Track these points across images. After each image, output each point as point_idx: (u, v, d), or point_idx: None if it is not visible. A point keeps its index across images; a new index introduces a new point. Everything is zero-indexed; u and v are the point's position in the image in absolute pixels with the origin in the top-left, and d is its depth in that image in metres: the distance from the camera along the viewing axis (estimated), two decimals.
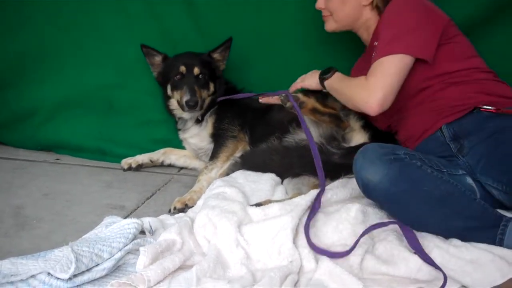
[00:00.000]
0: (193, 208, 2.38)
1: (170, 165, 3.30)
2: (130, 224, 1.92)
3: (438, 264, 1.75)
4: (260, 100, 2.88)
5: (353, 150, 2.45)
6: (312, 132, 2.53)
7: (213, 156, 2.94)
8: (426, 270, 1.75)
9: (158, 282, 1.67)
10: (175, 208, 2.52)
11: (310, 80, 2.79)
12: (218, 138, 3.01)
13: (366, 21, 2.73)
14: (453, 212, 1.99)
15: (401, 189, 1.99)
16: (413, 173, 2.02)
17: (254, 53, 3.31)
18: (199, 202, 2.41)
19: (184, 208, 2.52)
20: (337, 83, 2.57)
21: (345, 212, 2.07)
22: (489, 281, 1.70)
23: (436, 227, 2.00)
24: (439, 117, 2.41)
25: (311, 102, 2.59)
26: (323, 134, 2.60)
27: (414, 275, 1.76)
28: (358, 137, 2.62)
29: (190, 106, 2.93)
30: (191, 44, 3.26)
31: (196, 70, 3.01)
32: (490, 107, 2.28)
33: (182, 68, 3.00)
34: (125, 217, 2.23)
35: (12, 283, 1.62)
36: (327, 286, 1.65)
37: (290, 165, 2.60)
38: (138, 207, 2.57)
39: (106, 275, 1.76)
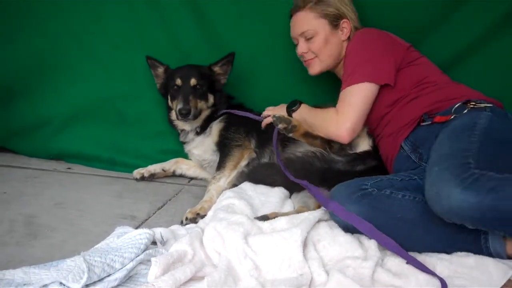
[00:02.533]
0: (204, 219, 2.38)
1: (181, 175, 3.33)
2: (142, 235, 1.93)
3: (446, 277, 1.78)
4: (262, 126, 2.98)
5: (358, 156, 2.56)
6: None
7: (220, 165, 2.96)
8: (435, 282, 1.75)
9: None
10: (187, 219, 2.52)
11: (279, 112, 2.84)
12: (224, 148, 3.03)
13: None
14: (431, 229, 2.03)
15: (377, 222, 2.02)
16: (383, 204, 2.10)
17: (263, 64, 3.32)
18: (209, 213, 2.42)
19: (195, 218, 2.53)
20: (306, 114, 2.71)
21: None
22: (496, 282, 1.75)
23: (424, 246, 2.04)
24: (399, 135, 2.54)
25: (303, 127, 2.63)
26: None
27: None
28: (364, 143, 2.65)
29: (182, 114, 2.96)
30: (202, 54, 3.29)
31: (192, 81, 3.04)
32: (427, 122, 2.42)
33: (178, 81, 3.05)
34: (136, 227, 2.25)
35: None
36: None
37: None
38: (149, 217, 2.58)
39: (118, 285, 1.76)
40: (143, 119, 3.46)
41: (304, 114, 2.72)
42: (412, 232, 2.05)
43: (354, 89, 2.52)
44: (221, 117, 3.17)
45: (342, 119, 2.48)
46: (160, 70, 3.23)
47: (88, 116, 3.49)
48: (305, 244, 1.94)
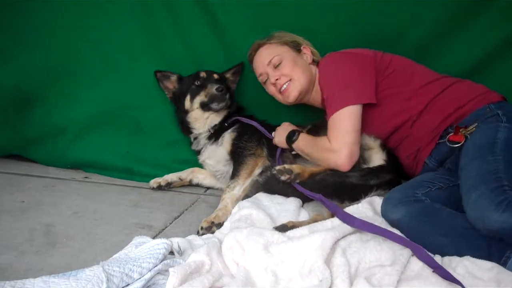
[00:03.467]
0: (221, 229, 2.38)
1: (197, 185, 3.35)
2: (159, 245, 1.93)
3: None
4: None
5: (372, 171, 2.56)
6: None
7: (234, 174, 2.98)
8: None
9: None
10: (202, 228, 2.53)
11: (279, 139, 2.91)
12: (237, 157, 3.06)
13: (315, 78, 2.90)
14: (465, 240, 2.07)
15: (418, 227, 2.13)
16: (430, 214, 2.19)
17: None
18: (227, 224, 2.42)
19: (211, 227, 2.54)
20: (304, 147, 2.72)
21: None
22: None
23: (452, 253, 2.04)
24: (419, 152, 2.61)
25: (306, 170, 2.61)
26: None
27: None
28: (377, 156, 2.64)
29: (220, 91, 3.06)
30: (217, 64, 3.33)
31: (216, 76, 3.20)
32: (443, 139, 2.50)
33: (203, 74, 3.19)
34: (154, 237, 2.26)
35: None
36: None
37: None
38: (166, 227, 2.59)
39: None
40: (159, 128, 3.48)
41: (303, 146, 2.73)
42: (446, 237, 2.10)
43: (342, 115, 2.53)
44: (233, 127, 3.21)
45: (339, 149, 2.49)
46: (173, 78, 3.31)
47: (104, 125, 3.52)
48: (332, 251, 1.92)
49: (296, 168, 2.56)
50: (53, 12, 3.44)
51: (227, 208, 2.73)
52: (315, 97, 2.93)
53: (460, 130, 2.40)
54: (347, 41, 2.92)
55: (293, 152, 2.77)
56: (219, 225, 2.54)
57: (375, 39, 2.98)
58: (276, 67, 2.87)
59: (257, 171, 2.99)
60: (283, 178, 2.53)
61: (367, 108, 2.57)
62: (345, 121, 2.52)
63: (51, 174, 3.48)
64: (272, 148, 3.02)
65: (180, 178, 3.31)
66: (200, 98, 3.16)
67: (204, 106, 3.16)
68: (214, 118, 3.23)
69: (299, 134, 2.75)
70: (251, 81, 3.31)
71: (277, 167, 2.58)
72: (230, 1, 3.24)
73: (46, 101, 3.59)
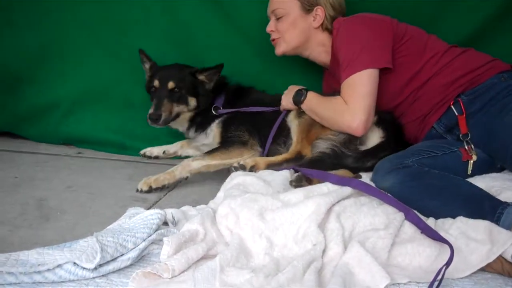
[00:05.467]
0: (214, 200, 2.38)
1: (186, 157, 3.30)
2: (153, 215, 1.94)
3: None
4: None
5: (367, 153, 2.54)
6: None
7: (209, 151, 2.88)
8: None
9: (182, 272, 1.68)
10: (141, 191, 2.63)
11: (286, 100, 2.83)
12: (225, 142, 2.95)
13: (320, 42, 2.86)
14: (454, 197, 2.10)
15: (409, 191, 2.13)
16: (419, 175, 2.19)
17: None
18: (220, 194, 2.41)
19: (150, 191, 2.62)
20: (315, 106, 2.65)
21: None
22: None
23: (444, 213, 2.04)
24: (429, 115, 2.58)
25: (261, 162, 2.60)
26: (339, 138, 2.58)
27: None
28: (373, 135, 2.60)
29: (152, 119, 2.88)
30: (206, 38, 3.31)
31: (170, 85, 2.96)
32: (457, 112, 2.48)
33: (156, 83, 2.98)
34: (148, 209, 2.25)
35: (39, 272, 1.64)
36: (353, 272, 1.64)
37: None
38: (160, 199, 2.59)
39: (130, 265, 1.77)
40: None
41: (312, 104, 2.65)
42: (437, 198, 2.10)
43: (359, 78, 2.47)
44: (220, 118, 3.06)
45: (355, 111, 2.44)
46: (147, 66, 3.18)
47: (96, 101, 3.50)
48: (326, 215, 1.92)
49: (250, 162, 2.56)
50: None
51: (173, 174, 2.71)
52: (320, 56, 2.91)
53: (468, 151, 2.37)
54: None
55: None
56: (159, 189, 2.62)
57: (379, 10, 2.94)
58: (277, 18, 2.85)
59: (239, 160, 2.79)
60: (237, 172, 2.52)
61: (380, 74, 2.52)
62: (363, 84, 2.46)
63: (43, 150, 3.47)
64: (263, 139, 2.93)
65: (164, 152, 3.32)
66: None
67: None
68: (182, 120, 3.10)
69: (307, 92, 2.68)
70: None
71: (234, 165, 2.61)
72: None
73: (36, 80, 3.57)
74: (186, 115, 3.06)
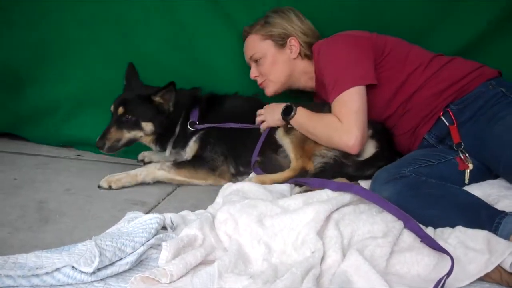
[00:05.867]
0: (213, 205, 2.38)
1: None
2: (152, 219, 1.94)
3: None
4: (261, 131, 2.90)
5: (365, 163, 2.55)
6: None
7: (179, 164, 2.89)
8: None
9: (181, 277, 1.68)
10: (99, 187, 2.70)
11: (273, 117, 2.79)
12: (197, 159, 2.92)
13: (303, 70, 2.90)
14: (452, 207, 2.09)
15: (406, 200, 2.11)
16: (416, 185, 2.18)
17: None
18: (218, 200, 2.41)
19: (109, 188, 2.68)
20: (306, 122, 2.63)
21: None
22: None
23: (443, 222, 2.03)
24: (417, 129, 2.59)
25: (266, 180, 2.58)
26: (334, 152, 2.59)
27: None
28: (368, 146, 2.61)
29: (98, 147, 2.88)
30: (207, 39, 3.30)
31: (120, 110, 2.90)
32: (448, 122, 2.48)
33: (111, 107, 2.95)
34: (146, 213, 2.24)
35: (37, 275, 1.64)
36: (351, 280, 1.64)
37: None
38: (159, 203, 2.59)
39: (129, 269, 1.76)
40: None
41: (304, 121, 2.63)
42: (435, 208, 2.10)
43: (348, 95, 2.48)
44: (197, 135, 3.01)
45: (350, 128, 2.43)
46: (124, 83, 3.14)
47: (96, 103, 3.49)
48: (325, 223, 1.92)
49: (256, 181, 2.53)
50: None
51: (135, 178, 2.75)
52: (307, 84, 2.94)
53: (464, 160, 2.37)
54: (341, 26, 2.86)
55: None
56: (118, 189, 2.68)
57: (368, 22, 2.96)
58: (256, 62, 2.91)
59: (201, 182, 2.88)
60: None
61: (366, 90, 2.53)
62: (353, 101, 2.46)
63: (44, 152, 3.47)
64: (242, 158, 2.93)
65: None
66: None
67: None
68: (147, 143, 3.06)
69: (296, 108, 2.66)
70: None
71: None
72: None
73: (37, 81, 3.58)
74: (146, 139, 3.01)
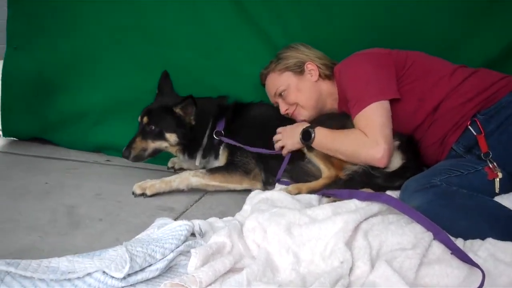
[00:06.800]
0: (241, 212, 2.40)
1: None
2: (182, 226, 1.96)
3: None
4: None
5: (394, 174, 2.52)
6: None
7: (212, 169, 2.90)
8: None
9: (209, 284, 1.68)
10: (134, 194, 2.72)
11: (291, 141, 2.76)
12: (229, 164, 2.92)
13: (327, 91, 2.90)
14: (483, 218, 2.06)
15: (438, 211, 2.08)
16: (448, 195, 2.15)
17: None
18: (247, 207, 2.42)
19: (143, 194, 2.71)
20: (329, 142, 2.60)
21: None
22: None
23: (473, 234, 2.01)
24: (445, 139, 2.54)
25: (303, 188, 2.56)
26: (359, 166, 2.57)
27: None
28: (396, 158, 2.57)
29: (124, 156, 2.91)
30: (237, 50, 3.33)
31: (145, 120, 2.95)
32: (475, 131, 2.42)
33: (139, 117, 2.99)
34: (175, 219, 2.28)
35: (69, 280, 1.67)
36: None
37: None
38: (187, 209, 2.61)
39: (158, 276, 1.78)
40: None
41: (326, 141, 2.60)
42: (467, 219, 2.07)
43: (372, 110, 2.47)
44: (224, 143, 3.02)
45: (378, 142, 2.42)
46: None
47: (125, 110, 3.53)
48: (354, 233, 1.92)
49: (293, 190, 2.52)
50: (76, 6, 3.51)
51: (169, 184, 2.76)
52: (333, 107, 2.94)
53: (493, 169, 2.32)
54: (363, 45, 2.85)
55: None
56: (152, 196, 2.71)
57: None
58: (282, 97, 2.92)
59: (236, 186, 2.87)
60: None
61: (390, 105, 2.52)
62: (378, 115, 2.46)
63: (73, 157, 3.54)
64: (270, 168, 2.90)
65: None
66: None
67: None
68: (174, 153, 3.08)
69: (314, 130, 2.63)
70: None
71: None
72: None
73: (68, 87, 3.66)
74: (172, 149, 3.03)
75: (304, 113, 2.91)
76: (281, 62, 2.92)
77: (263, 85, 3.07)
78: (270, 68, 2.97)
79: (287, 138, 2.79)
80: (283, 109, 2.95)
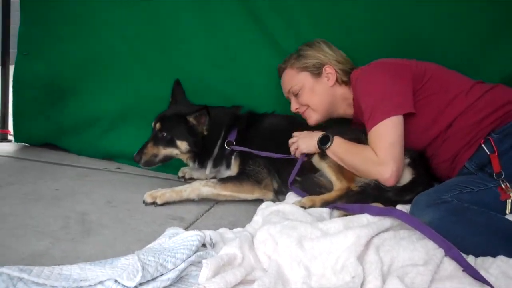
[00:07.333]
0: (252, 224, 2.40)
1: None
2: (193, 236, 1.96)
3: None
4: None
5: (404, 188, 2.52)
6: None
7: (223, 179, 2.90)
8: None
9: None
10: (145, 202, 2.73)
11: (307, 144, 2.77)
12: (241, 173, 2.93)
13: (343, 96, 2.90)
14: (494, 235, 2.08)
15: (449, 227, 2.08)
16: (459, 211, 2.16)
17: None
18: (258, 219, 2.42)
19: (153, 203, 2.71)
20: (343, 153, 2.61)
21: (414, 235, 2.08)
22: None
23: (485, 251, 2.02)
24: (458, 157, 2.53)
25: (317, 200, 2.55)
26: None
27: None
28: (406, 174, 2.57)
29: (135, 160, 2.96)
30: (250, 61, 3.34)
31: (157, 126, 2.99)
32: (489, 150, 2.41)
33: (153, 123, 3.03)
34: (185, 229, 2.29)
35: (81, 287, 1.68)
36: None
37: None
38: (197, 219, 2.61)
39: (169, 285, 1.78)
40: None
41: (340, 151, 2.61)
42: (479, 235, 2.08)
43: (384, 127, 2.47)
44: (236, 152, 3.03)
45: (387, 162, 2.42)
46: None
47: (136, 117, 3.57)
48: (366, 248, 1.92)
49: (307, 202, 2.51)
50: (88, 6, 3.54)
51: (180, 194, 2.76)
52: (346, 112, 2.94)
53: (505, 189, 2.31)
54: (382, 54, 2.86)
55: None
56: (162, 205, 2.71)
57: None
58: (295, 95, 2.93)
59: (247, 196, 2.88)
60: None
61: (405, 118, 2.51)
62: (389, 134, 2.46)
63: (84, 164, 3.56)
64: (283, 176, 2.89)
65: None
66: None
67: None
68: (185, 161, 3.12)
69: (333, 138, 2.65)
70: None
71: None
72: None
73: (80, 93, 3.69)
74: (183, 157, 3.06)
75: (314, 116, 2.93)
76: (301, 60, 2.91)
77: (280, 77, 3.08)
78: (289, 63, 2.96)
79: (303, 141, 2.80)
80: (294, 107, 2.97)
